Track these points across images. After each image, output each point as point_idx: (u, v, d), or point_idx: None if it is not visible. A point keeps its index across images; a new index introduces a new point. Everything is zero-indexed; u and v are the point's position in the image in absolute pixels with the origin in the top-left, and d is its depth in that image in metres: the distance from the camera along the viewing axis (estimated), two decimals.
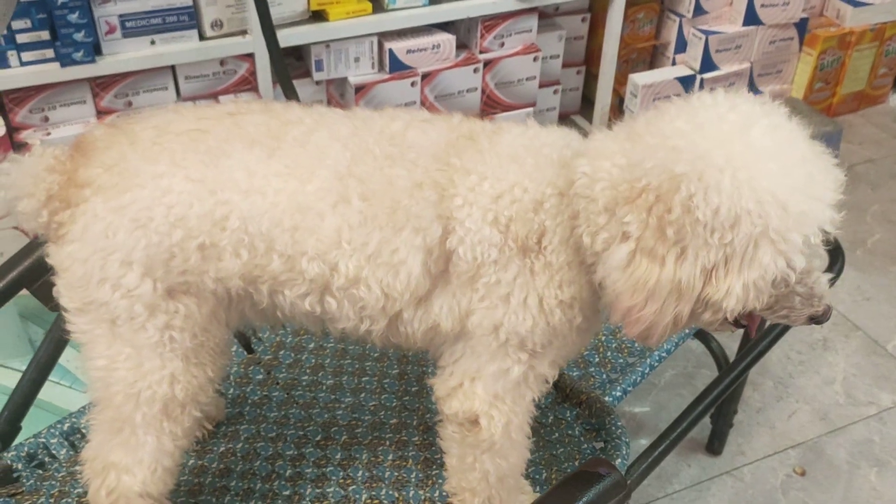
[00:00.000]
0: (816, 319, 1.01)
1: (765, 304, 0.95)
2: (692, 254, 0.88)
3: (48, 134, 2.28)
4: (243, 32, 2.40)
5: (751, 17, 3.00)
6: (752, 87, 3.18)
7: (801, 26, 3.10)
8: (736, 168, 0.88)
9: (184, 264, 1.01)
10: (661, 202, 0.88)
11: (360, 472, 1.32)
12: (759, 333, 1.73)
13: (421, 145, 1.03)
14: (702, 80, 3.03)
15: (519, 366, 1.05)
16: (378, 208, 0.99)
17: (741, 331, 1.07)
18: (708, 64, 3.02)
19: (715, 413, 1.95)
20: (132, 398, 1.08)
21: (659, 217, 0.88)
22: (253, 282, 1.03)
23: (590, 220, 0.94)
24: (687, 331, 1.51)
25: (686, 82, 3.04)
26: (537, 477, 1.26)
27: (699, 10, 3.00)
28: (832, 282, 1.57)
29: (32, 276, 1.30)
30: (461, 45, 2.74)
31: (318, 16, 2.49)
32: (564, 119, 3.20)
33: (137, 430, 1.10)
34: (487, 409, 1.08)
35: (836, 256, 1.60)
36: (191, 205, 0.99)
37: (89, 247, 1.00)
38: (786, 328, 1.50)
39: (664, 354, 1.47)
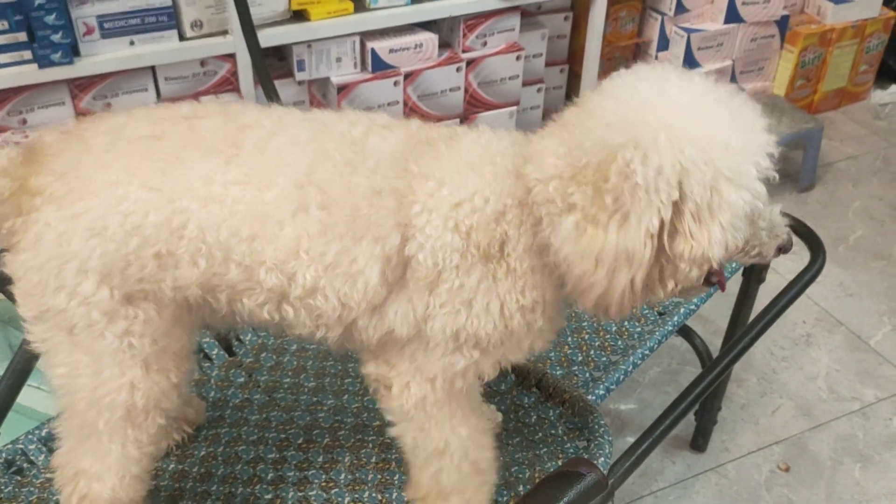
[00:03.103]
0: (784, 248, 1.05)
1: (740, 246, 0.97)
2: (635, 219, 0.89)
3: (26, 136, 2.25)
4: (224, 33, 2.38)
5: (732, 15, 3.01)
6: (735, 84, 3.19)
7: (782, 24, 3.11)
8: (668, 127, 0.90)
9: (140, 272, 1.00)
10: (598, 173, 0.90)
11: (342, 475, 1.31)
12: (741, 329, 1.73)
13: (381, 152, 1.02)
14: None
15: (466, 360, 1.05)
16: (338, 217, 0.98)
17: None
18: (690, 62, 3.03)
19: (699, 410, 1.95)
20: (94, 405, 1.07)
21: (596, 187, 0.90)
22: (211, 290, 1.02)
23: (554, 221, 0.95)
24: (670, 328, 1.51)
25: None
26: (520, 476, 1.26)
27: (681, 9, 3.01)
28: (813, 278, 1.58)
29: (6, 278, 1.29)
30: (444, 45, 2.73)
31: (299, 15, 2.47)
32: (548, 117, 3.20)
33: (102, 438, 1.09)
34: (408, 379, 1.08)
35: (817, 252, 1.61)
36: (147, 213, 0.98)
37: (43, 255, 0.99)
38: (768, 323, 1.50)
39: (647, 352, 1.47)
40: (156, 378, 1.07)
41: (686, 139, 0.90)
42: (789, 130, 2.79)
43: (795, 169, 2.97)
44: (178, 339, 1.08)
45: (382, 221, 0.98)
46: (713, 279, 1.03)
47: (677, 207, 0.90)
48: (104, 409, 1.06)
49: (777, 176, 1.00)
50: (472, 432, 1.16)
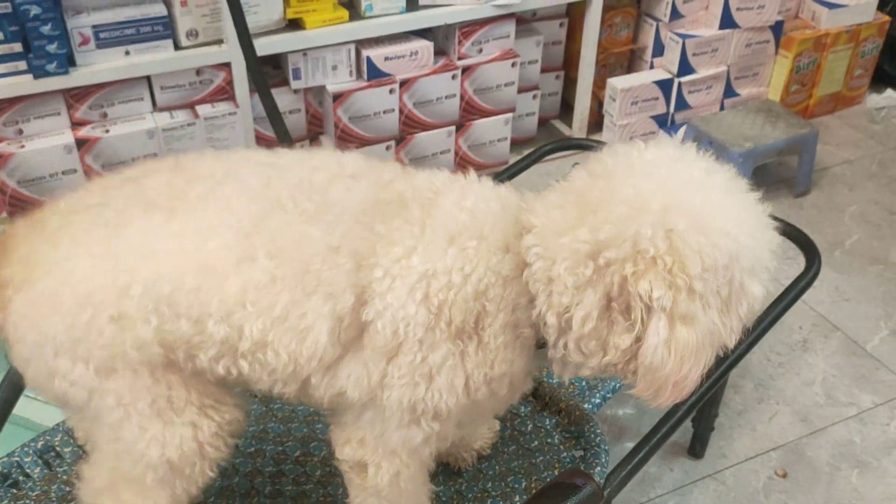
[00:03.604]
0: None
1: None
2: (712, 302, 0.90)
3: (22, 146, 2.26)
4: (219, 42, 2.39)
5: (727, 21, 3.01)
6: (730, 90, 3.19)
7: (777, 29, 3.12)
8: (713, 211, 0.90)
9: (100, 339, 0.97)
10: (681, 262, 0.87)
11: (340, 490, 1.31)
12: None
13: (343, 204, 0.98)
14: (679, 83, 3.05)
15: (425, 433, 1.03)
16: (287, 268, 0.95)
17: None
18: (685, 67, 3.03)
19: (696, 417, 1.95)
20: (136, 464, 1.05)
21: (688, 277, 0.87)
22: (170, 347, 0.99)
23: (552, 301, 0.92)
24: None
25: (664, 86, 3.05)
26: (516, 486, 1.25)
27: (676, 14, 3.02)
28: (809, 284, 1.58)
29: None
30: (439, 52, 2.74)
31: (294, 24, 2.48)
32: (544, 123, 3.21)
33: (151, 489, 1.07)
34: (379, 459, 1.06)
35: (812, 258, 1.61)
36: (93, 279, 0.97)
37: (26, 346, 0.99)
38: (764, 329, 1.50)
39: None
40: (183, 431, 1.04)
41: (732, 223, 0.91)
42: (784, 135, 2.79)
43: (791, 174, 2.97)
44: (191, 391, 1.04)
45: (335, 280, 0.95)
46: None
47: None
48: (147, 467, 1.05)
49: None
50: (425, 494, 1.16)
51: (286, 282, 0.95)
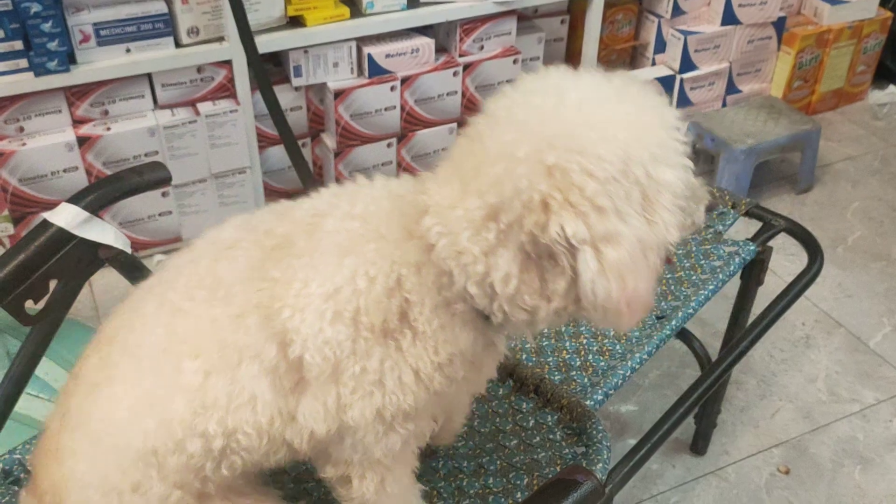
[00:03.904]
0: (710, 206, 1.02)
1: (686, 223, 0.96)
2: (626, 208, 0.86)
3: (24, 144, 2.26)
4: (220, 39, 2.38)
5: (729, 17, 3.01)
6: (732, 86, 3.19)
7: (779, 25, 3.11)
8: (586, 120, 0.87)
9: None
10: (572, 188, 0.85)
11: None
12: (739, 332, 1.73)
13: (232, 275, 0.98)
14: (681, 80, 3.04)
15: (402, 436, 1.02)
16: (210, 359, 0.95)
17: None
18: (687, 64, 3.03)
19: (699, 413, 1.95)
20: None
21: (589, 199, 0.85)
22: (181, 483, 1.00)
23: (468, 272, 0.90)
24: (668, 332, 1.50)
25: (666, 82, 3.05)
26: (518, 482, 1.25)
27: (677, 11, 3.01)
28: (812, 280, 1.58)
29: (3, 289, 1.29)
30: (440, 49, 2.73)
31: (295, 21, 2.48)
32: None
33: None
34: (363, 471, 1.06)
35: (815, 254, 1.61)
36: (94, 468, 0.99)
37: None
38: (766, 326, 1.50)
39: (645, 356, 1.46)
40: None
41: (611, 126, 0.87)
42: (787, 132, 2.79)
43: (793, 170, 2.97)
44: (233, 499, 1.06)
45: (251, 341, 0.95)
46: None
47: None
48: None
49: (692, 147, 0.99)
50: (414, 495, 1.15)
51: (215, 370, 0.95)
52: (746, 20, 3.04)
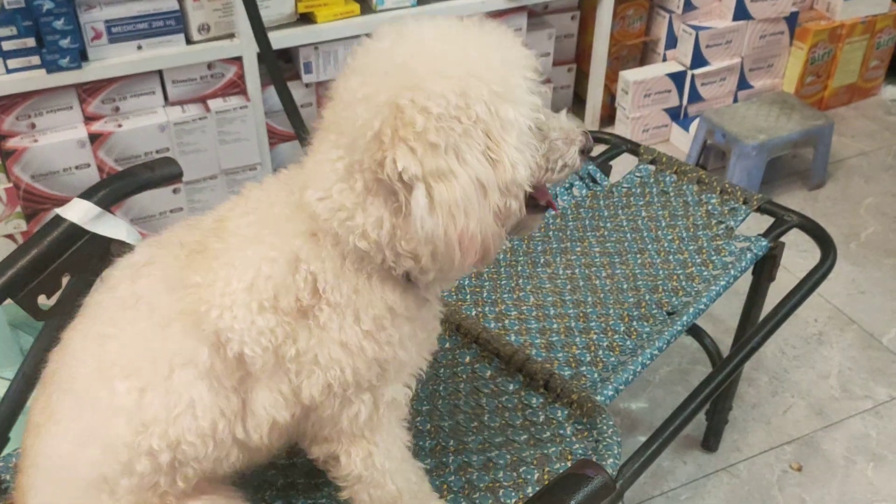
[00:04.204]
0: (585, 149, 1.00)
1: (539, 168, 0.95)
2: (465, 146, 0.86)
3: (36, 141, 2.27)
4: (231, 36, 2.39)
5: (741, 12, 2.99)
6: (744, 82, 3.17)
7: (792, 20, 3.10)
8: (426, 60, 0.87)
9: None
10: (405, 126, 0.85)
11: None
12: (751, 328, 1.72)
13: (152, 291, 0.97)
14: (693, 75, 3.03)
15: (365, 406, 1.02)
16: (141, 376, 0.95)
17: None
18: (699, 59, 3.02)
19: (710, 409, 1.94)
20: None
21: (416, 136, 0.85)
22: (148, 493, 1.00)
23: (350, 227, 0.91)
24: (679, 328, 1.50)
25: (677, 78, 3.03)
26: (528, 477, 1.25)
27: (689, 6, 3.00)
28: (824, 276, 1.57)
29: (16, 284, 1.29)
30: None
31: (305, 18, 2.48)
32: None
33: None
34: (346, 447, 1.06)
35: (827, 250, 1.60)
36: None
37: None
38: (778, 322, 1.49)
39: (656, 352, 1.46)
40: None
41: (449, 63, 0.87)
42: (799, 127, 2.77)
43: (806, 166, 2.95)
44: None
45: (179, 348, 0.94)
46: (541, 202, 1.01)
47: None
48: None
49: (548, 91, 0.99)
50: (411, 469, 1.15)
51: (149, 385, 0.95)
52: (758, 15, 3.02)
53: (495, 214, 0.89)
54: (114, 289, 1.01)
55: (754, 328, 1.50)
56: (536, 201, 1.01)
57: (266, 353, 0.95)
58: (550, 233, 1.76)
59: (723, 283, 1.57)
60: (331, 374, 0.97)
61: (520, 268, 1.68)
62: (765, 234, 1.67)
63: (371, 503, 1.12)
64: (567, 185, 1.86)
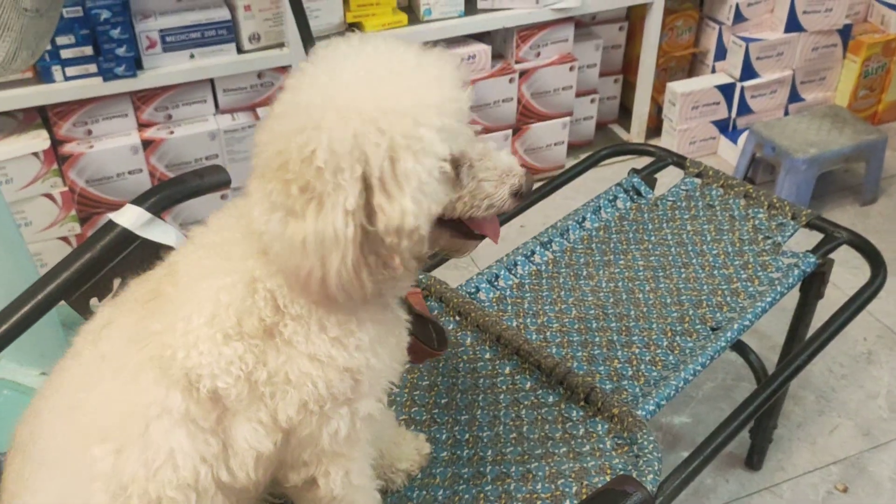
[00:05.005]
0: (519, 193, 0.98)
1: (463, 205, 0.95)
2: (328, 202, 0.87)
3: (91, 147, 2.33)
4: (280, 45, 2.43)
5: (793, 24, 2.95)
6: (795, 95, 3.12)
7: (845, 33, 3.04)
8: (334, 102, 0.87)
9: None
10: (280, 166, 0.89)
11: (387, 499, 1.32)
12: (798, 345, 1.69)
13: (114, 348, 0.97)
14: (742, 87, 2.99)
15: (343, 421, 1.01)
16: (116, 437, 0.94)
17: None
18: (749, 71, 2.98)
19: (754, 428, 1.91)
20: None
21: (283, 180, 0.88)
22: None
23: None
24: (723, 343, 1.48)
25: (726, 90, 3.00)
26: (566, 490, 1.25)
27: (739, 18, 2.97)
28: (875, 294, 1.54)
29: (71, 287, 1.33)
30: (497, 56, 2.74)
31: (354, 28, 2.51)
32: (602, 127, 3.18)
33: None
34: (325, 468, 1.05)
35: (878, 267, 1.57)
36: None
37: None
38: (826, 340, 1.46)
39: (699, 368, 1.44)
40: None
41: (353, 111, 0.86)
42: (851, 142, 2.72)
43: (857, 181, 2.89)
44: None
45: (152, 398, 0.93)
46: (475, 232, 1.01)
47: (367, 183, 0.88)
48: None
49: (479, 128, 0.97)
50: (373, 487, 1.15)
51: (124, 444, 0.94)
52: (811, 27, 2.97)
53: (351, 266, 0.89)
54: (78, 354, 1.01)
55: (801, 345, 1.48)
56: (466, 230, 1.01)
57: (239, 382, 0.95)
58: (593, 245, 1.75)
59: (769, 299, 1.55)
60: (304, 391, 0.97)
61: (562, 280, 1.67)
62: (813, 251, 1.64)
63: None
64: (611, 198, 1.86)
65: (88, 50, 2.22)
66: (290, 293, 0.95)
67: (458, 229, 1.01)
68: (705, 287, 1.62)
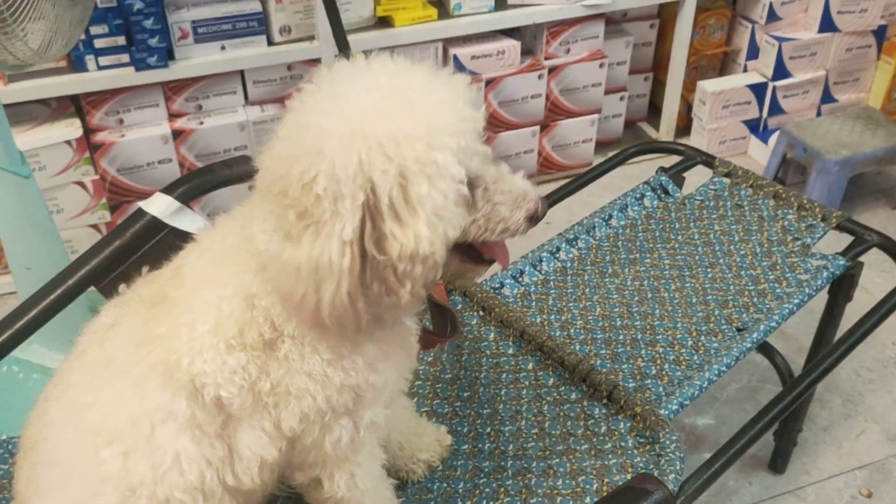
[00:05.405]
0: (535, 217, 0.97)
1: (477, 228, 0.94)
2: (326, 230, 0.85)
3: (123, 136, 2.36)
4: (311, 38, 2.44)
5: (827, 24, 2.91)
6: (828, 96, 3.08)
7: (880, 34, 3.00)
8: (341, 128, 0.85)
9: None
10: (280, 191, 0.87)
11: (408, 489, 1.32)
12: (825, 348, 1.67)
13: (121, 350, 0.97)
14: (774, 87, 2.96)
15: (346, 430, 1.01)
16: (124, 439, 0.94)
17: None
18: (781, 71, 2.95)
19: (778, 430, 1.90)
20: None
21: (281, 204, 0.87)
22: None
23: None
24: (748, 345, 1.47)
25: (757, 90, 2.97)
26: (587, 487, 1.24)
27: (772, 17, 2.93)
28: None
29: (100, 274, 1.35)
30: (526, 51, 2.73)
31: (383, 21, 2.51)
32: (631, 125, 3.17)
33: None
34: (330, 470, 1.05)
35: None
36: None
37: None
38: (854, 343, 1.45)
39: (724, 369, 1.43)
40: None
41: (358, 136, 0.84)
42: (885, 144, 2.68)
43: (890, 184, 2.85)
44: None
45: (157, 403, 0.94)
46: (484, 257, 1.00)
47: (374, 210, 0.86)
48: None
49: (489, 151, 0.94)
50: (386, 487, 1.15)
51: (132, 447, 0.94)
52: (845, 28, 2.93)
53: (348, 295, 0.88)
54: (83, 355, 1.01)
55: (828, 348, 1.46)
56: (476, 254, 1.00)
57: (242, 392, 0.95)
58: (619, 243, 1.75)
59: (796, 301, 1.54)
60: (304, 404, 0.97)
61: (587, 277, 1.67)
62: (843, 253, 1.62)
63: None
64: (638, 196, 1.85)
65: (121, 40, 2.25)
66: (284, 312, 0.95)
67: (467, 254, 1.00)
68: (732, 287, 1.61)
